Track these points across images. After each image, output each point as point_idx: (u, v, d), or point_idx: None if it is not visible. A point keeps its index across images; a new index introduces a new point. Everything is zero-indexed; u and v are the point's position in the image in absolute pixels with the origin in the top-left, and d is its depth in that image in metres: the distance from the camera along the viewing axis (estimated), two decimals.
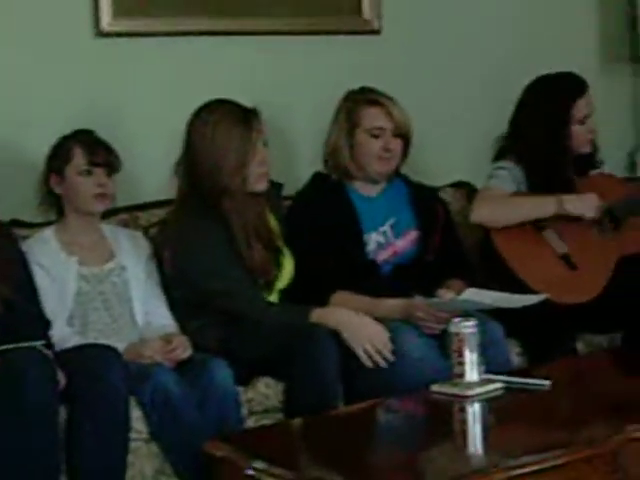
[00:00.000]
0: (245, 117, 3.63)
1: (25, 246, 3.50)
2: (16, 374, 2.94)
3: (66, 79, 4.00)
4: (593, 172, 4.19)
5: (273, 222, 3.82)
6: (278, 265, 3.73)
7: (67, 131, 3.63)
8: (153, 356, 3.29)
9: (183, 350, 3.35)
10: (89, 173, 3.53)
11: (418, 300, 3.61)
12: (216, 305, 3.59)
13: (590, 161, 4.18)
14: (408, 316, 3.58)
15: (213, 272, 3.57)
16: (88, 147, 3.55)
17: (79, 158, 3.52)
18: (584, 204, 3.94)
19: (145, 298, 3.61)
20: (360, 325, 3.46)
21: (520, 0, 4.96)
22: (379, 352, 3.42)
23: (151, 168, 3.89)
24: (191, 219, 3.62)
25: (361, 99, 3.89)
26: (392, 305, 3.64)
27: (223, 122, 3.61)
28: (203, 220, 3.60)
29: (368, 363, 3.40)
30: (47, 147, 3.63)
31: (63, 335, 3.37)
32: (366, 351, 3.40)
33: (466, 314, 3.26)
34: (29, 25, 3.93)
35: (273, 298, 3.70)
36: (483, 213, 3.97)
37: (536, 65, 4.23)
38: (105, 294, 3.55)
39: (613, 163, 4.77)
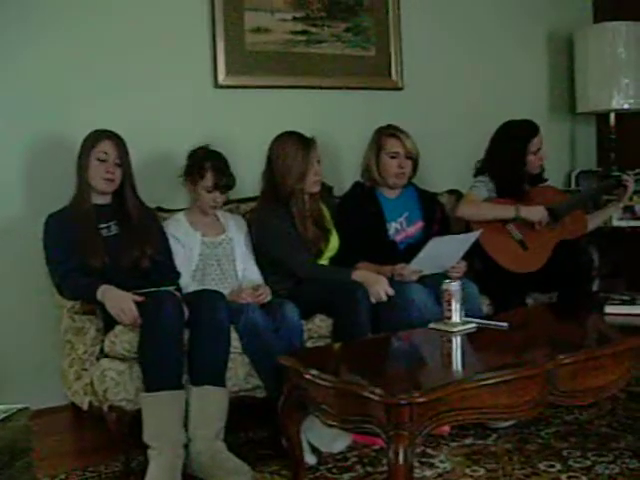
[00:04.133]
0: (306, 143, 3.59)
1: (165, 224, 3.53)
2: (157, 307, 2.96)
3: (194, 116, 4.03)
4: (541, 185, 4.07)
5: (325, 212, 3.77)
6: (327, 240, 3.68)
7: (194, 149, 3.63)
8: (246, 299, 3.29)
9: (266, 295, 3.35)
10: (211, 192, 3.52)
11: (400, 265, 3.53)
12: (281, 265, 3.54)
13: (539, 178, 4.08)
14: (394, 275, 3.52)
15: (278, 242, 3.53)
16: (217, 171, 3.50)
17: (208, 180, 3.48)
18: (533, 213, 3.84)
19: (243, 260, 3.60)
20: (373, 280, 3.37)
21: (495, 69, 4.91)
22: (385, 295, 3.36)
23: (247, 176, 3.82)
24: (268, 209, 3.60)
25: (385, 132, 3.83)
26: (386, 268, 3.55)
27: (291, 146, 3.58)
28: (275, 209, 3.57)
29: (373, 301, 3.32)
30: (180, 160, 3.60)
31: (187, 283, 3.40)
32: (373, 295, 3.32)
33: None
34: (170, 79, 3.96)
35: (324, 262, 3.65)
36: (465, 211, 3.88)
37: (506, 113, 4.11)
38: (218, 256, 3.55)
39: (555, 180, 4.78)
